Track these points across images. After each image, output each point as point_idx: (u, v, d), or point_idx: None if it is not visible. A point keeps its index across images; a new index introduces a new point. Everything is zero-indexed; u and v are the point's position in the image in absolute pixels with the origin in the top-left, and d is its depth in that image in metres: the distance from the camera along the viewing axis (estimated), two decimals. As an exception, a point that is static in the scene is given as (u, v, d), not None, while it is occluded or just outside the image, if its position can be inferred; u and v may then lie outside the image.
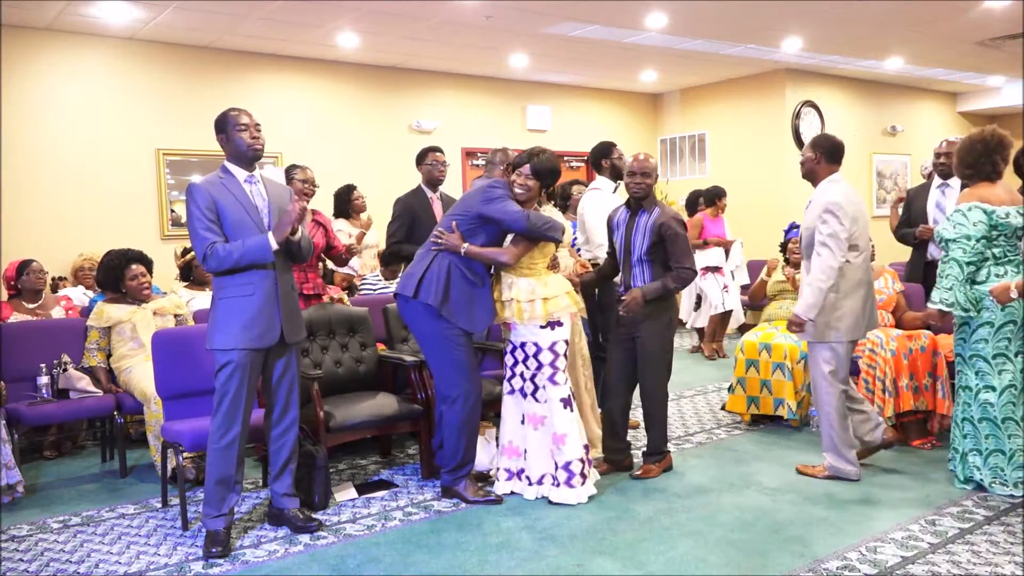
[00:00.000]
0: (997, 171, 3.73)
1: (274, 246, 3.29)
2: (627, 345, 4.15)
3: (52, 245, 6.35)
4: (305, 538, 3.45)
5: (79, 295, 5.78)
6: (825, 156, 3.97)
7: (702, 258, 7.42)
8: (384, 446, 4.63)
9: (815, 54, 8.49)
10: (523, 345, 3.81)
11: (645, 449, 4.27)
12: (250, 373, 3.34)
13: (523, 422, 3.86)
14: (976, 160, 3.73)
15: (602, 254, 4.68)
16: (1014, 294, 3.55)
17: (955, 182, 4.80)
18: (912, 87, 10.64)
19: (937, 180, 5.09)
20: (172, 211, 7.14)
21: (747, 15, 6.82)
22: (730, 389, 5.22)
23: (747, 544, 3.28)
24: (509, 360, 3.90)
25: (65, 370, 4.53)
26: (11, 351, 4.54)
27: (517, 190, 3.73)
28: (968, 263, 3.63)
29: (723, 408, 5.33)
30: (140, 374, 4.47)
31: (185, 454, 3.88)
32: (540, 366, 3.78)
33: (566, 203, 5.49)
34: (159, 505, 3.94)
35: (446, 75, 8.73)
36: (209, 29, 6.71)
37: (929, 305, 3.77)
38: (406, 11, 6.36)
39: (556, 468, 3.77)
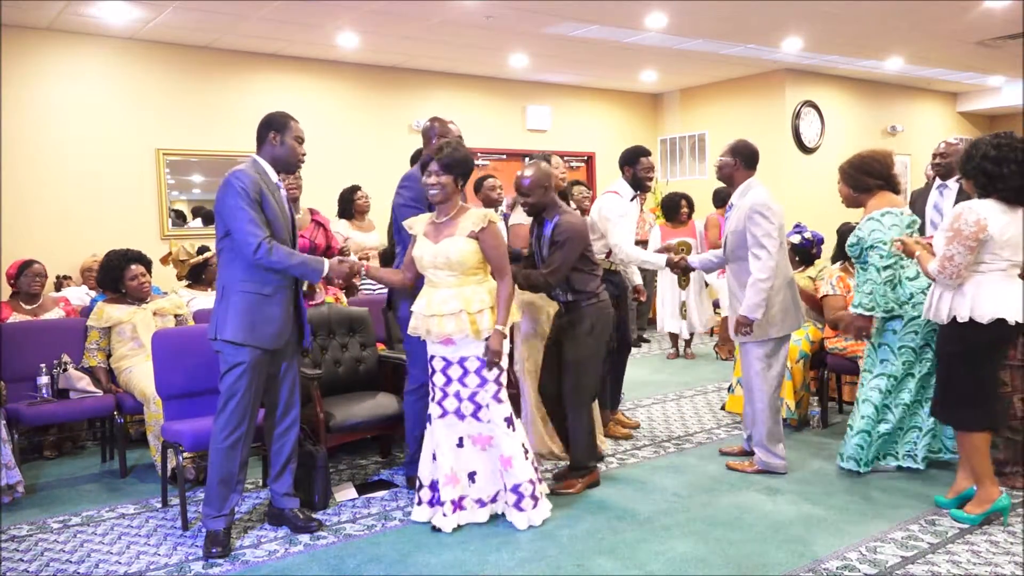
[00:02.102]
0: (899, 182, 4.04)
1: (324, 272, 3.39)
2: (554, 351, 4.05)
3: (52, 245, 6.35)
4: (305, 538, 3.45)
5: (79, 295, 5.78)
6: (743, 162, 4.11)
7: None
8: (384, 446, 4.63)
9: (815, 54, 8.49)
10: (462, 361, 3.42)
11: (569, 463, 4.07)
12: (259, 375, 3.34)
13: (460, 445, 3.50)
14: (883, 172, 3.95)
15: (619, 252, 4.66)
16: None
17: (953, 183, 4.81)
18: (912, 87, 10.64)
19: (936, 181, 5.09)
20: (173, 211, 7.14)
21: (747, 15, 6.82)
22: (730, 389, 5.22)
23: (747, 544, 3.28)
24: (439, 380, 3.48)
25: (65, 370, 4.53)
26: (11, 351, 4.54)
27: (431, 191, 3.45)
28: (885, 267, 3.82)
29: (723, 408, 5.33)
30: (140, 374, 4.47)
31: (185, 454, 3.88)
32: (484, 383, 3.42)
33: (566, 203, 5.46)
34: (159, 505, 3.94)
35: (446, 75, 8.73)
36: (209, 29, 6.71)
37: (851, 310, 3.94)
38: (406, 11, 6.36)
39: (505, 490, 3.51)
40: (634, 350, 8.04)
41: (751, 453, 4.31)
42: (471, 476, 3.52)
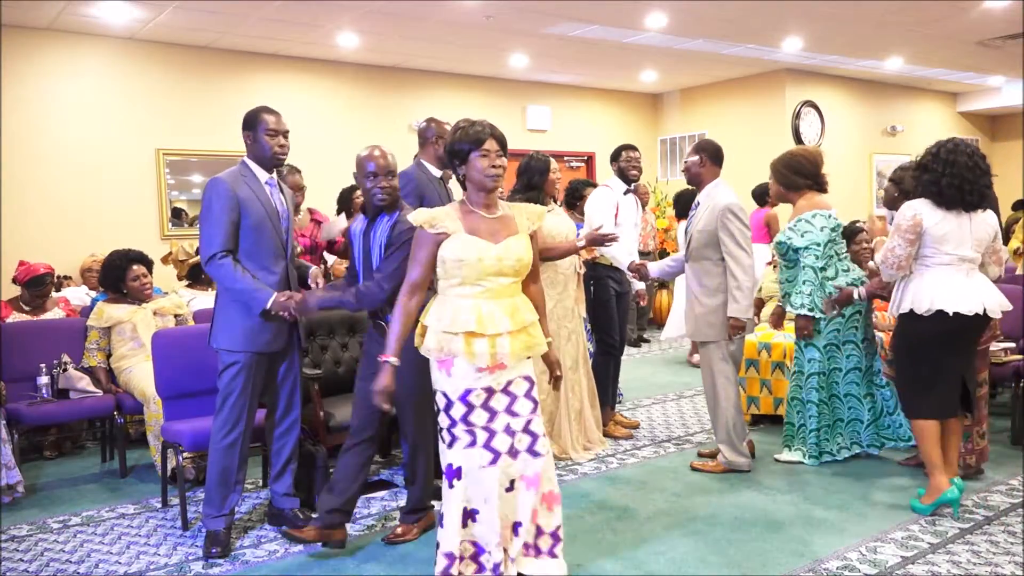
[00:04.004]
0: (826, 181, 4.22)
1: (267, 307, 3.22)
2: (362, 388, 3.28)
3: (52, 245, 6.35)
4: (305, 538, 3.45)
5: (79, 295, 5.78)
6: (711, 159, 4.16)
7: (768, 253, 7.13)
8: (384, 446, 4.63)
9: (815, 54, 8.49)
10: (507, 387, 2.75)
11: (404, 505, 3.54)
12: (255, 374, 3.33)
13: (511, 488, 2.77)
14: (812, 171, 4.15)
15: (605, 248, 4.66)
16: (857, 297, 4.05)
17: None
18: (912, 87, 10.64)
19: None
20: (174, 209, 7.14)
21: (747, 15, 6.82)
22: (730, 389, 5.21)
23: (747, 544, 3.28)
24: (480, 417, 2.72)
25: (65, 370, 4.53)
26: (11, 351, 4.54)
27: (493, 174, 2.76)
28: (821, 268, 4.04)
29: (723, 408, 5.32)
30: (140, 374, 4.47)
31: (185, 454, 3.88)
32: (535, 406, 2.81)
33: (575, 203, 5.46)
34: (159, 505, 3.94)
35: (446, 75, 8.73)
36: (209, 29, 6.71)
37: (789, 309, 4.15)
38: (406, 11, 6.36)
39: (538, 534, 2.83)
40: (634, 350, 8.04)
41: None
42: (515, 527, 2.80)
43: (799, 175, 4.15)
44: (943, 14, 6.93)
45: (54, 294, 5.55)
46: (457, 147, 2.79)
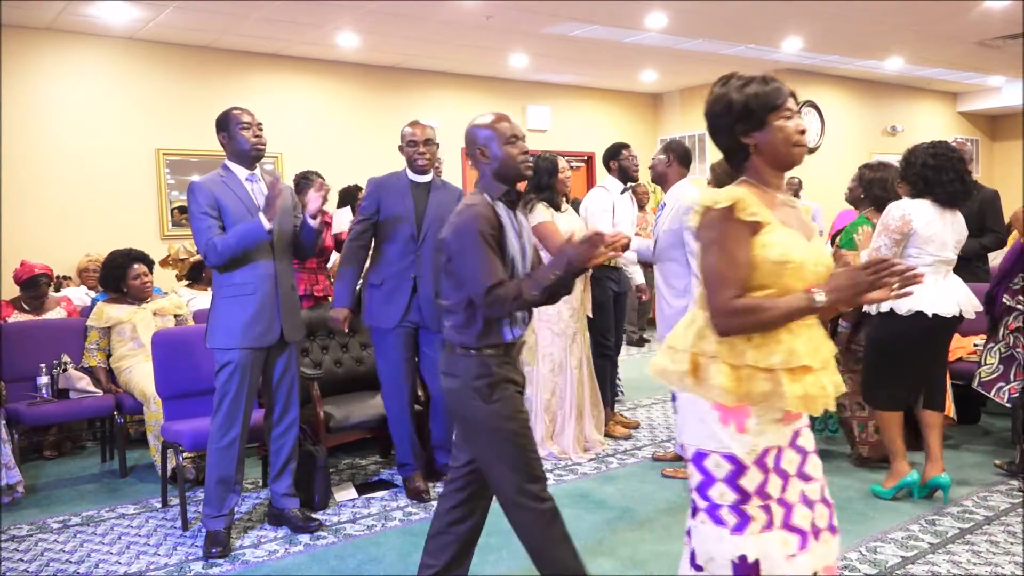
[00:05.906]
0: None
1: (267, 225, 3.24)
2: None
3: (51, 245, 6.35)
4: (305, 538, 3.45)
5: (80, 295, 5.79)
6: (677, 160, 4.11)
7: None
8: (384, 446, 4.63)
9: (815, 54, 8.49)
10: (795, 439, 2.00)
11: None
12: (250, 373, 3.34)
13: None
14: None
15: None
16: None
17: None
18: (912, 87, 10.64)
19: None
20: (173, 210, 7.14)
21: (747, 15, 6.81)
22: (730, 389, 5.23)
23: (747, 544, 3.27)
24: (775, 486, 1.93)
25: (65, 370, 4.53)
26: (11, 351, 4.54)
27: (801, 139, 2.01)
28: None
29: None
30: (140, 374, 4.47)
31: (185, 454, 3.88)
32: (821, 464, 2.05)
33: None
34: (159, 505, 3.94)
35: (446, 75, 8.73)
36: (209, 29, 6.71)
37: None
38: (406, 11, 6.36)
39: None
40: (634, 350, 8.04)
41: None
42: None
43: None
44: (943, 14, 6.93)
45: (55, 294, 5.55)
46: (751, 107, 1.96)
